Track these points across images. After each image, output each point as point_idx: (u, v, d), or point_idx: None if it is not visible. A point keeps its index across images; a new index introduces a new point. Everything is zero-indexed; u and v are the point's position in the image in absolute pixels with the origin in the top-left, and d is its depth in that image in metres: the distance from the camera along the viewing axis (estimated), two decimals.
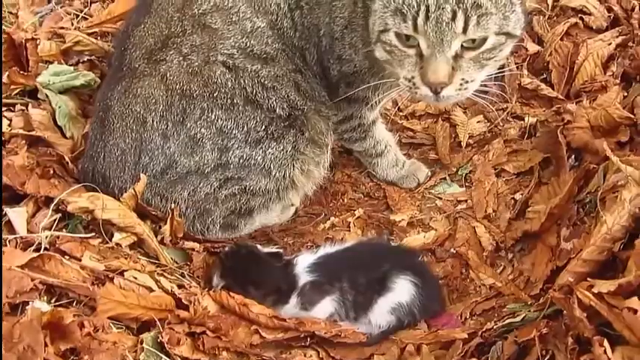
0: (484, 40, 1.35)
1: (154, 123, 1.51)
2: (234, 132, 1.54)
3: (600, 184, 1.60)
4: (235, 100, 1.53)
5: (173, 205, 1.54)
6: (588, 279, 1.24)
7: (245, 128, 1.55)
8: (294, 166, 1.63)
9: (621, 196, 1.33)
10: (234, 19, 1.55)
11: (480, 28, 1.32)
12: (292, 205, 1.83)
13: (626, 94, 2.01)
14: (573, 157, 1.79)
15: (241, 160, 1.56)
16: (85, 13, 2.26)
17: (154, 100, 1.51)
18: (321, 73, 1.68)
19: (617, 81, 2.10)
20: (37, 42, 1.83)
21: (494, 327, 1.33)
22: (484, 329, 1.33)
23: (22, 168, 1.43)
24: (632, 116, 1.76)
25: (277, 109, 1.57)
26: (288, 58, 1.60)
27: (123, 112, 1.53)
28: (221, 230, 1.64)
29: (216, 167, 1.55)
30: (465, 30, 1.31)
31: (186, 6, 1.54)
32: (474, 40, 1.35)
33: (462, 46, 1.35)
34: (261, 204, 1.64)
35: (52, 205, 1.39)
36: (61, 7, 2.42)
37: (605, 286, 1.16)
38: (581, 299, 1.15)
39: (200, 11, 1.54)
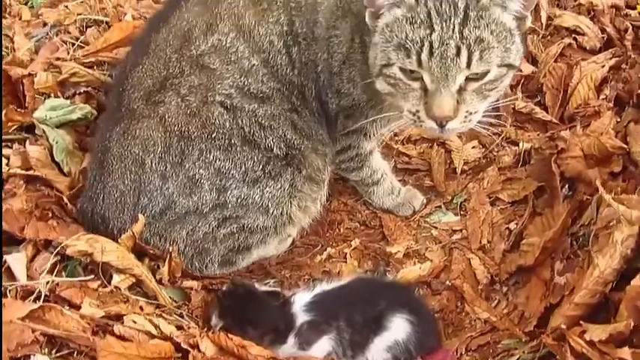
0: (486, 72, 1.38)
1: (153, 165, 1.53)
2: (232, 172, 1.56)
3: (594, 217, 1.62)
4: (233, 141, 1.55)
5: (172, 245, 1.55)
6: (581, 322, 1.26)
7: (243, 168, 1.56)
8: (291, 203, 1.65)
9: (613, 237, 1.35)
10: (232, 59, 1.56)
11: (484, 62, 1.35)
12: (289, 236, 1.84)
13: (619, 119, 2.02)
14: (567, 186, 1.81)
15: (239, 200, 1.58)
16: (81, 41, 2.27)
17: (152, 142, 1.53)
18: (320, 108, 1.69)
19: (611, 105, 2.12)
20: (34, 77, 1.83)
21: None
22: None
23: (21, 212, 1.45)
24: (625, 146, 1.77)
25: (275, 149, 1.59)
26: (284, 97, 1.61)
27: (122, 153, 1.54)
28: (219, 267, 1.65)
29: (214, 207, 1.57)
30: (468, 65, 1.34)
31: (184, 47, 1.55)
32: (476, 73, 1.37)
33: (465, 78, 1.36)
34: (259, 240, 1.66)
35: (52, 249, 1.40)
36: (56, 36, 2.43)
37: (597, 332, 1.18)
38: (573, 346, 1.17)
39: (198, 52, 1.55)
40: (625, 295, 1.21)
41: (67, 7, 2.78)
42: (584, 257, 1.54)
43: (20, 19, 2.95)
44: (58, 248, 1.37)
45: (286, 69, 1.61)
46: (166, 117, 1.52)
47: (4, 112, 1.72)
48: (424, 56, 1.32)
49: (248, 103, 1.56)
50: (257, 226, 1.62)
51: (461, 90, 1.37)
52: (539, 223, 1.71)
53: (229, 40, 1.55)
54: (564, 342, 1.20)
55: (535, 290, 1.56)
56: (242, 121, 1.55)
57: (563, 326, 1.22)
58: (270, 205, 1.61)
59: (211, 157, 1.54)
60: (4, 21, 2.92)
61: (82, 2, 2.83)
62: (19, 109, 1.76)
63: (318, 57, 1.62)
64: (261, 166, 1.58)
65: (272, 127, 1.58)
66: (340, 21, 1.59)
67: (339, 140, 1.77)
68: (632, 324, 1.14)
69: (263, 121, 1.57)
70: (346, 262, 1.80)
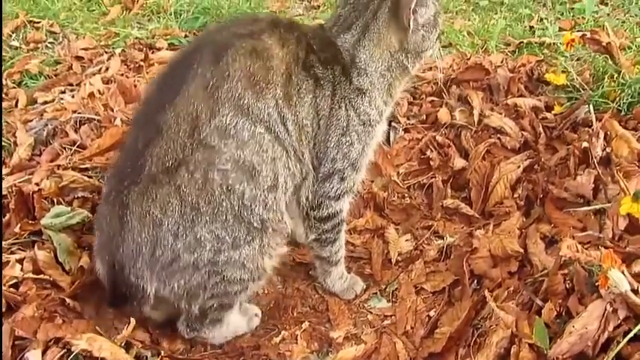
0: None
1: (169, 226, 1.80)
2: (226, 238, 1.88)
3: (491, 312, 2.04)
4: (228, 217, 1.87)
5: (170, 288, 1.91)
6: None
7: (233, 236, 1.90)
8: (262, 257, 2.01)
9: (491, 338, 1.78)
10: (231, 133, 1.79)
11: None
12: (256, 315, 2.24)
13: (525, 219, 2.46)
14: (476, 281, 2.24)
15: (227, 259, 1.92)
16: (77, 145, 2.67)
17: (170, 208, 1.79)
18: (310, 169, 2.07)
19: (522, 203, 2.55)
20: (42, 190, 2.23)
21: None
22: None
23: (33, 318, 1.83)
24: (521, 250, 2.21)
25: (254, 223, 1.93)
26: (273, 168, 1.89)
27: (141, 213, 1.79)
28: (209, 323, 2.06)
29: (208, 263, 1.90)
30: None
31: (196, 132, 1.77)
32: None
33: None
34: (237, 291, 2.02)
35: (61, 345, 1.79)
36: (54, 133, 2.84)
37: None
38: None
39: (202, 135, 1.78)
40: None
41: (62, 101, 3.19)
42: (482, 346, 1.96)
43: (17, 104, 3.36)
44: (76, 351, 1.76)
45: (284, 134, 1.93)
46: (182, 188, 1.78)
47: (19, 225, 2.12)
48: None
49: (239, 183, 1.83)
50: (235, 278, 1.94)
51: None
52: (450, 315, 2.13)
53: (229, 119, 1.78)
54: None
55: None
56: (234, 201, 1.87)
57: None
58: (245, 261, 1.96)
59: (213, 227, 1.86)
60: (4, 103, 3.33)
61: (73, 96, 3.25)
62: (31, 221, 2.15)
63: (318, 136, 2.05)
64: (244, 235, 1.92)
65: (252, 209, 1.91)
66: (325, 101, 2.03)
67: (327, 206, 2.14)
68: None
69: (247, 203, 1.89)
70: (297, 343, 2.19)
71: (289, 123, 1.94)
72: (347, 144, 2.06)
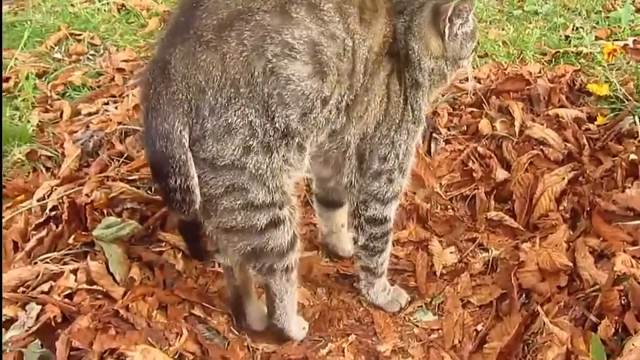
0: None
1: (209, 96, 1.58)
2: (257, 131, 1.63)
3: (541, 326, 2.02)
4: (258, 107, 1.62)
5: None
6: None
7: (264, 130, 1.65)
8: (282, 175, 1.75)
9: (545, 355, 1.76)
10: (324, 19, 1.62)
11: None
12: (303, 328, 2.24)
13: (572, 232, 2.44)
14: (524, 295, 2.22)
15: (256, 167, 1.66)
16: (124, 157, 2.72)
17: (212, 77, 1.57)
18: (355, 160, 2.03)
19: (567, 216, 2.52)
20: (93, 203, 2.27)
21: None
22: None
23: (88, 329, 1.86)
24: (570, 264, 2.18)
25: (277, 124, 1.67)
26: (336, 82, 1.71)
27: (185, 73, 1.58)
28: (257, 267, 1.89)
29: (229, 166, 1.64)
30: None
31: None
32: None
33: None
34: (264, 226, 1.76)
35: (115, 356, 1.82)
36: (100, 144, 2.89)
37: None
38: None
39: None
40: None
41: (107, 112, 3.24)
42: None
43: (61, 115, 3.42)
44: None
45: (357, 76, 1.80)
46: (227, 58, 1.57)
47: (74, 236, 2.16)
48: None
49: (293, 69, 1.61)
50: (258, 201, 1.71)
51: None
52: (499, 329, 2.11)
53: (327, 6, 1.63)
54: None
55: None
56: (268, 88, 1.61)
57: None
58: (269, 176, 1.70)
59: (247, 112, 1.61)
60: (47, 115, 3.41)
61: (116, 107, 3.30)
62: (84, 232, 2.19)
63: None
64: (270, 136, 1.67)
65: (286, 106, 1.65)
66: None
67: (374, 207, 2.11)
68: None
69: (286, 98, 1.64)
70: (344, 355, 2.19)
71: (363, 86, 1.84)
72: (398, 143, 2.05)
